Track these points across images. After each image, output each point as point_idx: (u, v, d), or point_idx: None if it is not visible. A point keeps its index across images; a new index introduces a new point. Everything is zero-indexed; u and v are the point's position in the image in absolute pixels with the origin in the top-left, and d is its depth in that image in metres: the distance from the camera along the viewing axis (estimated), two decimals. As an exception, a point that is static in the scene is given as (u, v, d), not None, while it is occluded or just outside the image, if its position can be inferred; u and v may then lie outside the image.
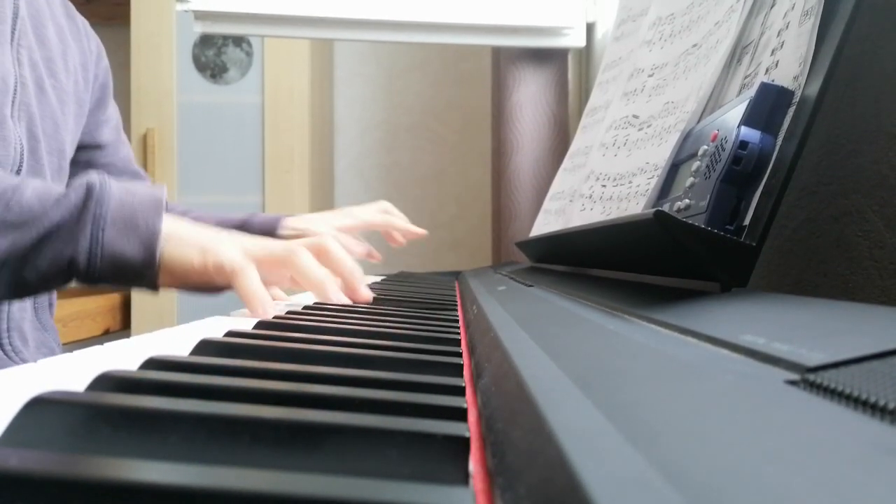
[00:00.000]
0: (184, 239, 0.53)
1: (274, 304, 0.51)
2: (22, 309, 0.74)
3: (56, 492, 0.12)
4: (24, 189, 0.51)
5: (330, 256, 0.57)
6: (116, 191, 0.52)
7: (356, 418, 0.17)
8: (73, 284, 0.54)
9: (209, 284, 0.53)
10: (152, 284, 0.53)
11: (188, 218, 0.96)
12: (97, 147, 0.88)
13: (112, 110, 0.91)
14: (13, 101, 0.68)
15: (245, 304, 0.51)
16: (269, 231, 0.87)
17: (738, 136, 0.36)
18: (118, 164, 0.91)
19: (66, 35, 0.80)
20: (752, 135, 0.35)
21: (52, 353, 0.78)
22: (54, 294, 0.82)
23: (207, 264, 0.52)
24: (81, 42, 0.84)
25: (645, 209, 0.49)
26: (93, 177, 0.52)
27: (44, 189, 0.52)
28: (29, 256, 0.50)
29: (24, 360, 0.72)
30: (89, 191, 0.52)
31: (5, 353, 0.71)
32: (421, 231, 0.98)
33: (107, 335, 1.65)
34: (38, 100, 0.72)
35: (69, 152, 0.80)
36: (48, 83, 0.74)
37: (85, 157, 0.87)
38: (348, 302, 0.55)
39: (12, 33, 0.69)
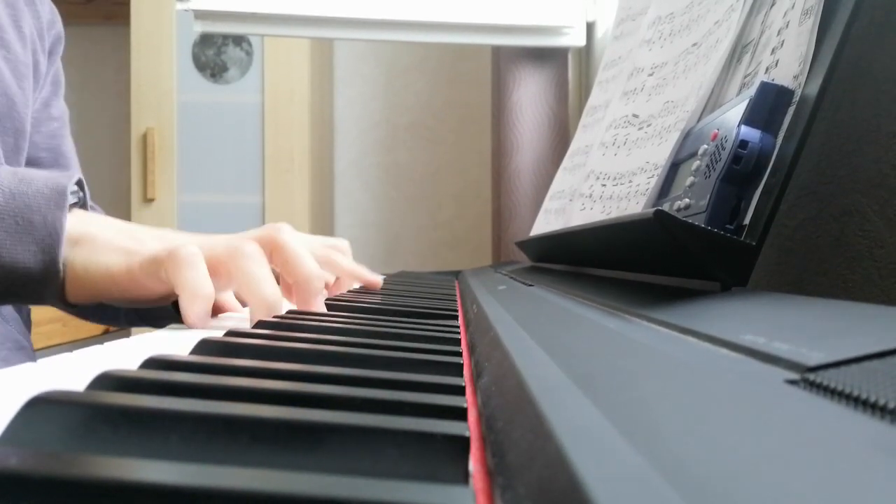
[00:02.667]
0: (98, 241, 0.42)
1: (211, 319, 0.39)
2: None
3: (56, 492, 0.12)
4: None
5: (285, 254, 0.43)
6: (7, 180, 0.41)
7: (356, 418, 0.17)
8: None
9: (139, 296, 0.43)
10: (55, 298, 0.42)
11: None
12: None
13: (49, 78, 0.79)
14: None
15: (182, 302, 0.38)
16: None
17: (738, 135, 0.36)
18: (36, 137, 0.77)
19: (18, 0, 0.70)
20: (752, 134, 0.35)
21: (17, 345, 0.71)
22: None
23: (133, 267, 0.41)
24: (35, 6, 0.74)
25: (645, 208, 0.49)
26: None
27: None
28: None
29: None
30: None
31: None
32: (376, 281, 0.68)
33: (107, 334, 1.65)
34: None
35: (28, 130, 0.70)
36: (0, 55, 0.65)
37: None
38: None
39: None
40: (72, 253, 0.41)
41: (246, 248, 0.41)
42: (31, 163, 0.78)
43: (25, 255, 0.40)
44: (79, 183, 0.47)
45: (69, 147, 0.83)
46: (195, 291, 0.38)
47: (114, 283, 0.42)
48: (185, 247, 0.39)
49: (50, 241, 0.40)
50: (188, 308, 0.38)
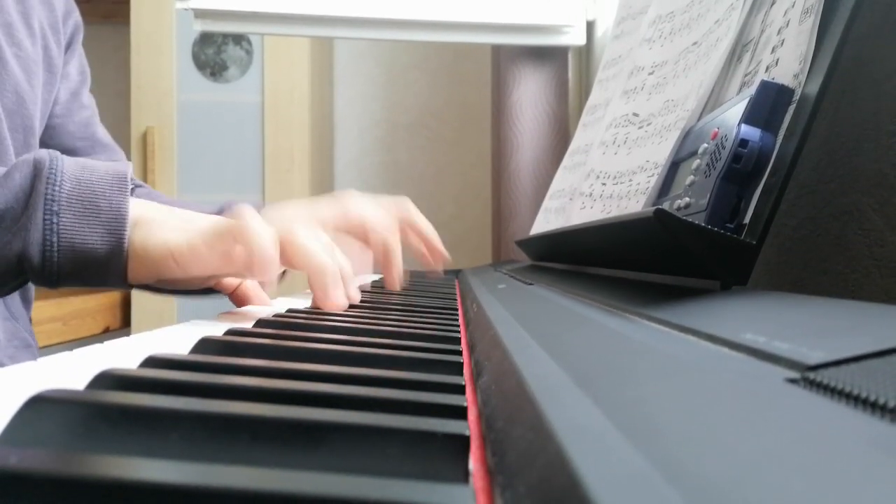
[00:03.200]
0: (156, 221, 0.44)
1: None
2: None
3: (56, 491, 0.12)
4: None
5: (292, 249, 0.45)
6: (71, 167, 0.44)
7: (356, 416, 0.17)
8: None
9: (196, 272, 0.45)
10: (119, 278, 0.44)
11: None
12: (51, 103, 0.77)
13: (72, 68, 0.79)
14: None
15: (252, 263, 0.41)
16: None
17: (738, 134, 0.36)
18: (70, 126, 0.78)
19: None
20: (752, 133, 0.35)
21: (24, 343, 0.71)
22: None
23: (193, 240, 0.43)
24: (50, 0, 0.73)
25: (645, 207, 0.49)
26: (41, 152, 0.44)
27: None
28: None
29: None
30: (37, 168, 0.43)
31: None
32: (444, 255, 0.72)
33: (107, 333, 1.65)
34: None
35: (38, 127, 0.71)
36: (9, 52, 0.66)
37: None
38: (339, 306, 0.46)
39: None
40: (131, 234, 0.44)
41: (297, 227, 0.45)
42: (67, 152, 0.78)
43: (93, 237, 0.43)
44: None
45: (103, 133, 0.83)
46: (265, 249, 0.41)
47: (173, 258, 0.44)
48: (250, 211, 0.43)
49: (116, 223, 0.43)
50: (261, 267, 0.41)
